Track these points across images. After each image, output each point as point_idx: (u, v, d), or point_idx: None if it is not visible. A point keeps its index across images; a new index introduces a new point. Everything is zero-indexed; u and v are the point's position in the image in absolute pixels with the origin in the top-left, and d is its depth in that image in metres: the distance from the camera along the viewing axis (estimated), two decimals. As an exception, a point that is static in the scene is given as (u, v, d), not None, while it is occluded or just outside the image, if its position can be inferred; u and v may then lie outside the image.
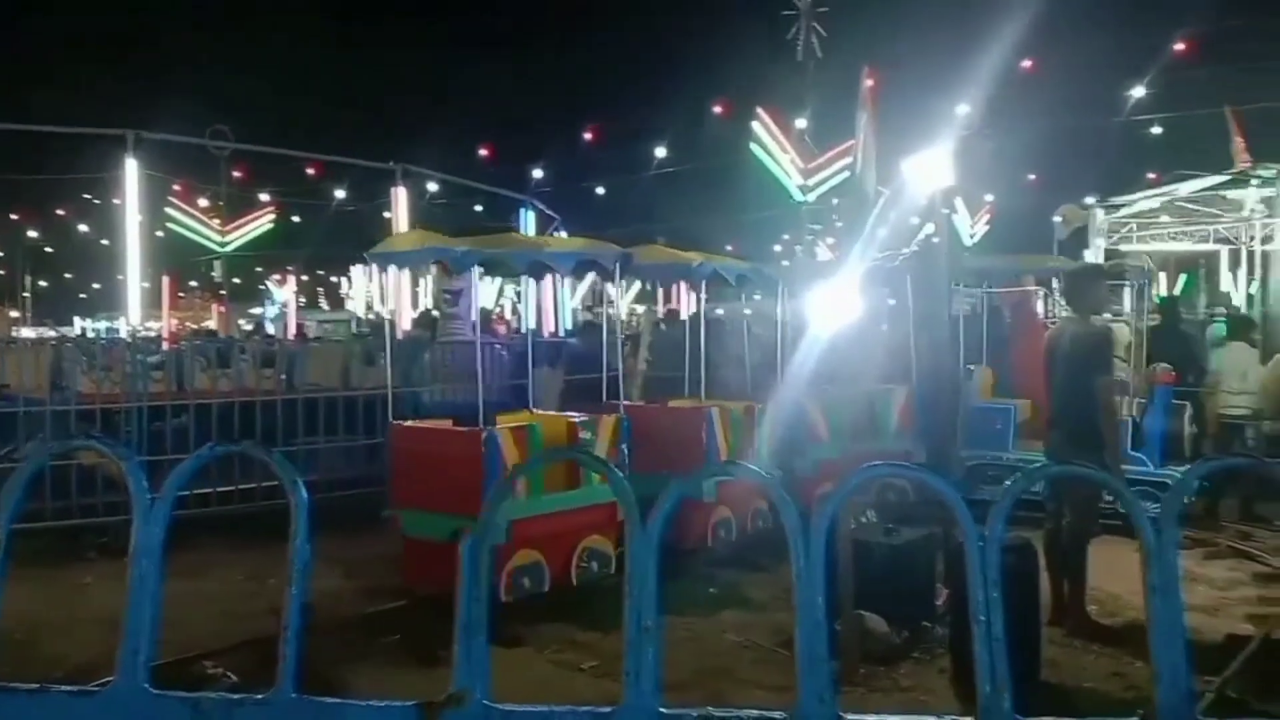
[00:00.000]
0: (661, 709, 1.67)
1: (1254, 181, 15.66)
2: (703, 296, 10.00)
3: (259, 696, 1.83)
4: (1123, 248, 17.07)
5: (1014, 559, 4.88)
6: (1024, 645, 4.71)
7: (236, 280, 36.11)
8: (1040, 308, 11.50)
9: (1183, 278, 20.82)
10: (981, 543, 1.77)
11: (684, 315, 21.59)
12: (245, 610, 6.40)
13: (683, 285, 30.04)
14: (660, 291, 21.17)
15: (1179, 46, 21.97)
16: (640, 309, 20.78)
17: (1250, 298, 14.64)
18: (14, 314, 44.05)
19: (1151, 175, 20.92)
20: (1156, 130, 24.80)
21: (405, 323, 13.30)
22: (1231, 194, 16.20)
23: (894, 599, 5.77)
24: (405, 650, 5.71)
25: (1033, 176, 28.79)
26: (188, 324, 28.83)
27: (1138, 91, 23.83)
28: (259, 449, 2.10)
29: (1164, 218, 17.89)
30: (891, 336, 9.41)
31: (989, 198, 25.53)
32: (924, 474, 1.86)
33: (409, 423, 7.91)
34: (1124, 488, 2.05)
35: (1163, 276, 15.87)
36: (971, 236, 23.17)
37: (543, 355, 11.38)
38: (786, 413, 8.22)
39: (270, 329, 24.82)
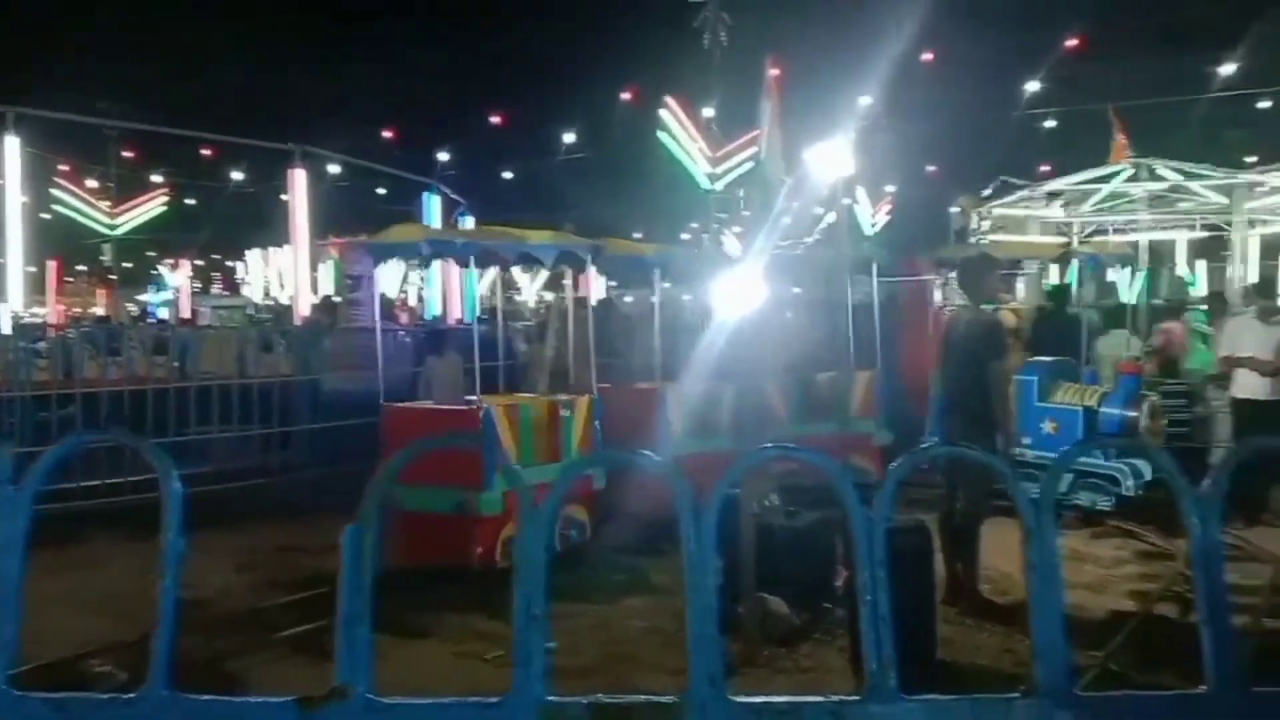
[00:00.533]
0: (550, 697, 1.63)
1: (1123, 175, 16.34)
2: (610, 284, 10.01)
3: (128, 695, 1.74)
4: (1014, 237, 17.57)
5: (908, 540, 4.98)
6: (919, 624, 4.81)
7: (128, 265, 34.83)
8: (937, 296, 11.76)
9: (1073, 267, 21.56)
10: (868, 524, 1.79)
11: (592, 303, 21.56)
12: (136, 606, 6.16)
13: (592, 273, 29.98)
14: (570, 279, 21.08)
15: (1071, 43, 22.72)
16: (549, 296, 20.66)
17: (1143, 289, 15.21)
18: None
19: (1045, 167, 21.62)
20: (1050, 124, 25.63)
21: (305, 308, 12.97)
22: (1114, 187, 16.84)
23: (796, 581, 5.85)
24: (298, 645, 5.57)
25: (932, 168, 29.49)
26: (75, 310, 27.70)
27: (1032, 86, 24.59)
28: (129, 437, 2.00)
29: (1055, 211, 18.48)
30: (795, 324, 9.52)
31: (890, 188, 26.07)
32: (813, 457, 1.87)
33: (401, 404, 8.35)
34: (1009, 470, 2.09)
35: (1054, 268, 16.41)
36: (873, 226, 23.63)
37: (439, 342, 11.16)
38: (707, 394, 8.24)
39: (163, 314, 23.98)
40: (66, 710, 1.77)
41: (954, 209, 20.17)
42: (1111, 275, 12.57)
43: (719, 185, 18.19)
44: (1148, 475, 8.13)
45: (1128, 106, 20.05)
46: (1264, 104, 24.58)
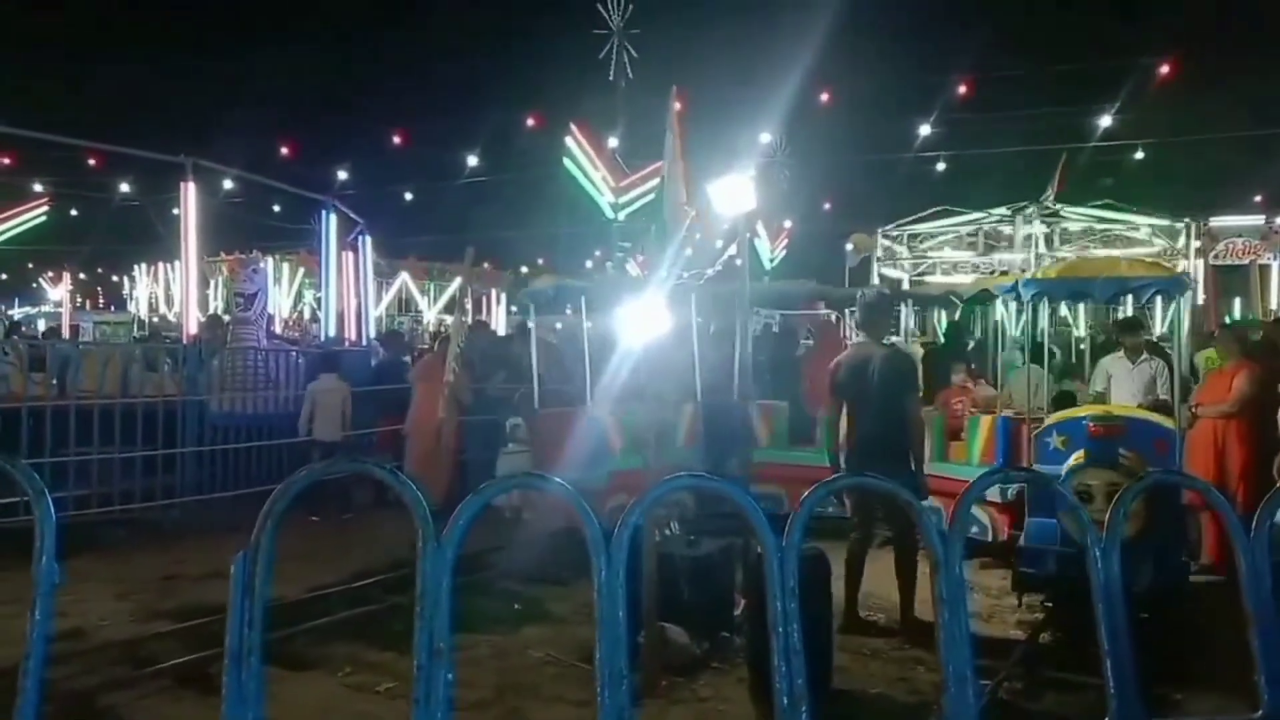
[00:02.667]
0: None
1: (1027, 213, 17.02)
2: (510, 309, 10.00)
3: None
4: (928, 279, 18.13)
5: (808, 568, 5.04)
6: (817, 653, 4.86)
7: (3, 276, 33.23)
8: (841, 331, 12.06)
9: (962, 307, 22.35)
10: (780, 553, 1.79)
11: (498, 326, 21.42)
12: (6, 635, 5.84)
13: (494, 294, 29.70)
14: (469, 300, 20.92)
15: (961, 90, 23.62)
16: (449, 318, 20.45)
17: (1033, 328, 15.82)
18: None
19: (936, 208, 22.37)
20: (940, 166, 26.57)
21: (193, 326, 12.54)
22: (1017, 230, 17.54)
23: (695, 610, 5.86)
24: (182, 678, 5.34)
25: (827, 205, 30.23)
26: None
27: (924, 130, 25.48)
28: None
29: (950, 251, 19.16)
30: (681, 354, 9.61)
31: (787, 223, 26.60)
32: (728, 487, 1.86)
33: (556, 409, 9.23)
34: (915, 500, 2.14)
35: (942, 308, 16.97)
36: (771, 260, 24.08)
37: (327, 365, 10.92)
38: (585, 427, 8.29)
39: (40, 328, 22.92)
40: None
41: (849, 245, 20.72)
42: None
43: (622, 215, 18.31)
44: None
45: (1010, 154, 20.93)
46: (1139, 155, 25.93)
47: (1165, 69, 22.36)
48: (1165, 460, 6.83)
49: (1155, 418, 7.45)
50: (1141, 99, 23.76)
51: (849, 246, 20.19)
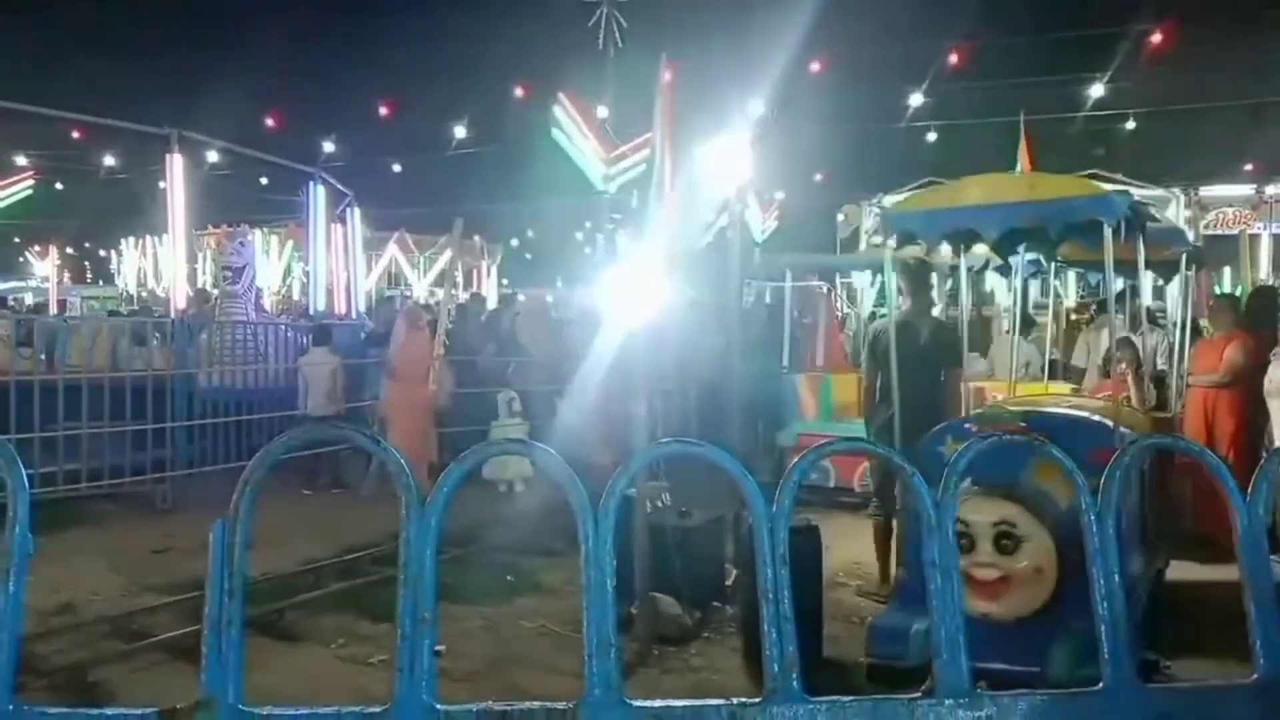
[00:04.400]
0: (438, 705, 1.51)
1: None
2: (502, 282, 9.95)
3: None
4: (911, 250, 18.03)
5: (799, 538, 5.03)
6: (808, 622, 4.87)
7: (-11, 250, 33.03)
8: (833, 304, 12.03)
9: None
10: (769, 521, 1.77)
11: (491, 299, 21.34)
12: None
13: (483, 268, 29.54)
14: (459, 273, 20.85)
15: (953, 59, 23.48)
16: (439, 291, 20.38)
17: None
18: None
19: (925, 180, 22.26)
20: (931, 136, 26.43)
21: (181, 300, 12.46)
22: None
23: (686, 580, 5.87)
24: (173, 651, 5.34)
25: (819, 176, 30.06)
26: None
27: (916, 99, 25.33)
28: None
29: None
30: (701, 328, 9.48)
31: (779, 195, 26.48)
32: (714, 453, 1.84)
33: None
34: (909, 468, 2.12)
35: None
36: (763, 232, 23.98)
37: (316, 337, 10.83)
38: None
39: (28, 302, 22.79)
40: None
41: (840, 216, 20.62)
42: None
43: (612, 187, 18.16)
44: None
45: (1005, 124, 20.83)
46: (1130, 125, 25.85)
47: (1158, 38, 22.25)
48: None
49: (1099, 415, 5.63)
50: (1133, 68, 23.63)
51: (840, 217, 20.10)
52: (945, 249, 7.66)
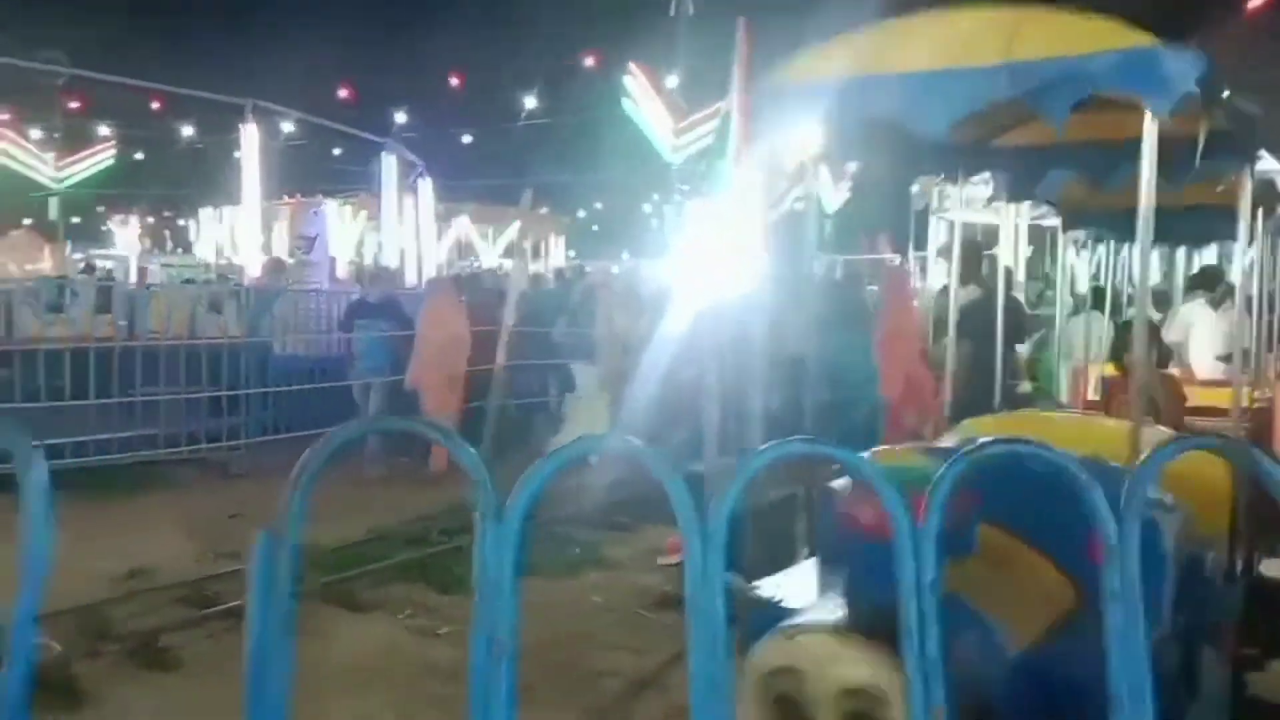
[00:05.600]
0: None
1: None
2: (569, 254, 9.82)
3: None
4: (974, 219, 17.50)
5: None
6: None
7: (76, 220, 33.87)
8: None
9: (1028, 250, 21.65)
10: (913, 538, 1.40)
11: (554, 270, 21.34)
12: (72, 573, 5.95)
13: (552, 238, 29.61)
14: (527, 244, 20.85)
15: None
16: (508, 262, 20.41)
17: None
18: None
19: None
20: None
21: (254, 269, 12.63)
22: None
23: (757, 559, 5.75)
24: (242, 617, 5.38)
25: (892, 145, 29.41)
26: (20, 265, 26.85)
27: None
28: None
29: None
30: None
31: (851, 166, 25.93)
32: (849, 457, 1.52)
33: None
34: (1092, 479, 1.82)
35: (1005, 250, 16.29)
36: (834, 204, 23.55)
37: (377, 309, 10.50)
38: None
39: (108, 269, 23.36)
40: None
41: (914, 188, 20.13)
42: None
43: (680, 157, 17.98)
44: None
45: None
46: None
47: None
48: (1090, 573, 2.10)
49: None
50: None
51: (914, 189, 19.63)
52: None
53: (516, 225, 17.36)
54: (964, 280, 6.37)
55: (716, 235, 6.29)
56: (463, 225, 26.49)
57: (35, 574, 1.27)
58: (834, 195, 23.05)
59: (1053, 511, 2.20)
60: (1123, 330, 4.89)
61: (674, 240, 9.04)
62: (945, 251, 6.87)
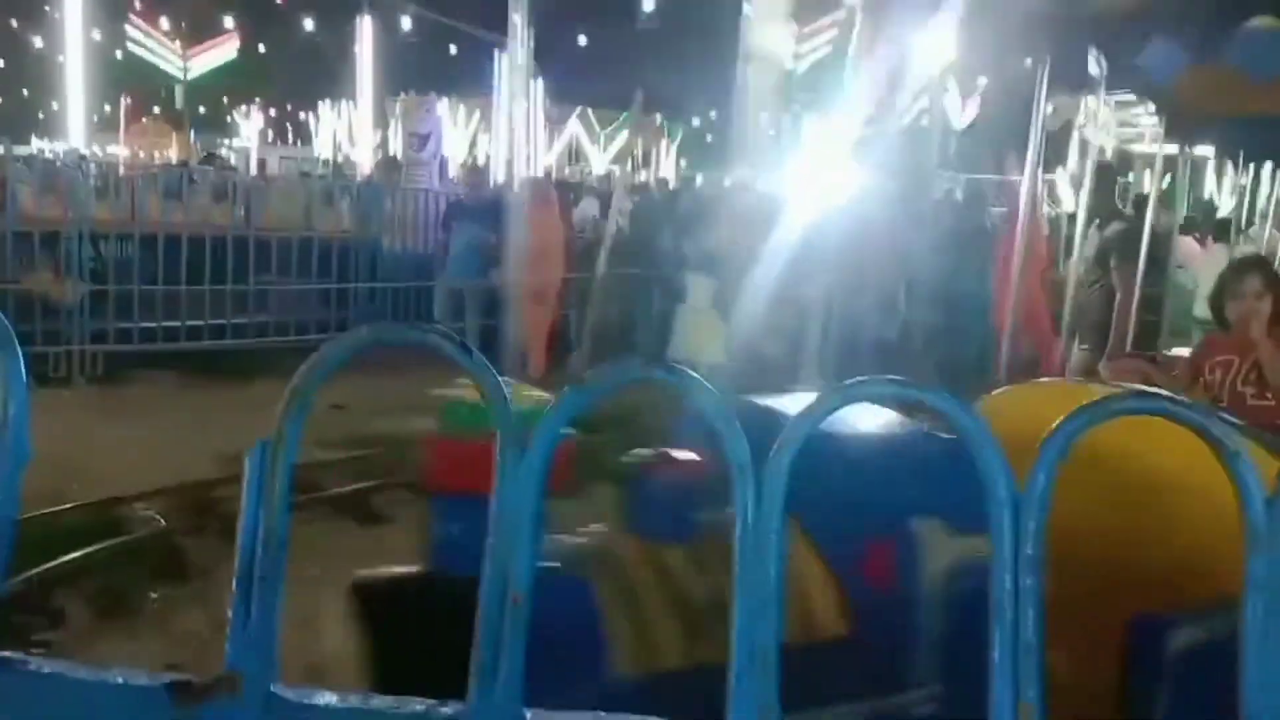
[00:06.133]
0: (527, 710, 1.05)
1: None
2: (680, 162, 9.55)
3: None
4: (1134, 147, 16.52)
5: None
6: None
7: (202, 110, 34.75)
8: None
9: (1166, 178, 20.45)
10: (1013, 505, 1.10)
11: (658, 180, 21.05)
12: (181, 452, 6.16)
13: (664, 146, 29.15)
14: (638, 153, 20.59)
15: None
16: (617, 169, 20.21)
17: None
18: (-34, 128, 42.22)
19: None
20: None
21: (367, 166, 12.72)
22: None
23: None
24: (339, 506, 5.49)
25: (1029, 61, 27.96)
26: (148, 151, 27.79)
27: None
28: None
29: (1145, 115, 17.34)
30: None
31: (982, 80, 24.79)
32: (943, 401, 1.14)
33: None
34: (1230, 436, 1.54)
35: (1146, 175, 15.37)
36: (962, 121, 22.60)
37: (475, 212, 10.08)
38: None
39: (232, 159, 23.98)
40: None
41: (1049, 108, 19.11)
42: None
43: (802, 66, 17.39)
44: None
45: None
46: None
47: None
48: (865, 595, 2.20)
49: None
50: None
51: (1049, 109, 18.64)
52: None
53: (626, 132, 17.12)
54: (1099, 210, 6.04)
55: (834, 149, 6.04)
56: (573, 129, 26.31)
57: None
58: (962, 111, 22.09)
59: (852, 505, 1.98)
60: (1233, 270, 3.83)
61: (791, 153, 8.73)
62: (1076, 181, 6.47)
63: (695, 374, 1.08)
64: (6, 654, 1.11)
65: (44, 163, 13.54)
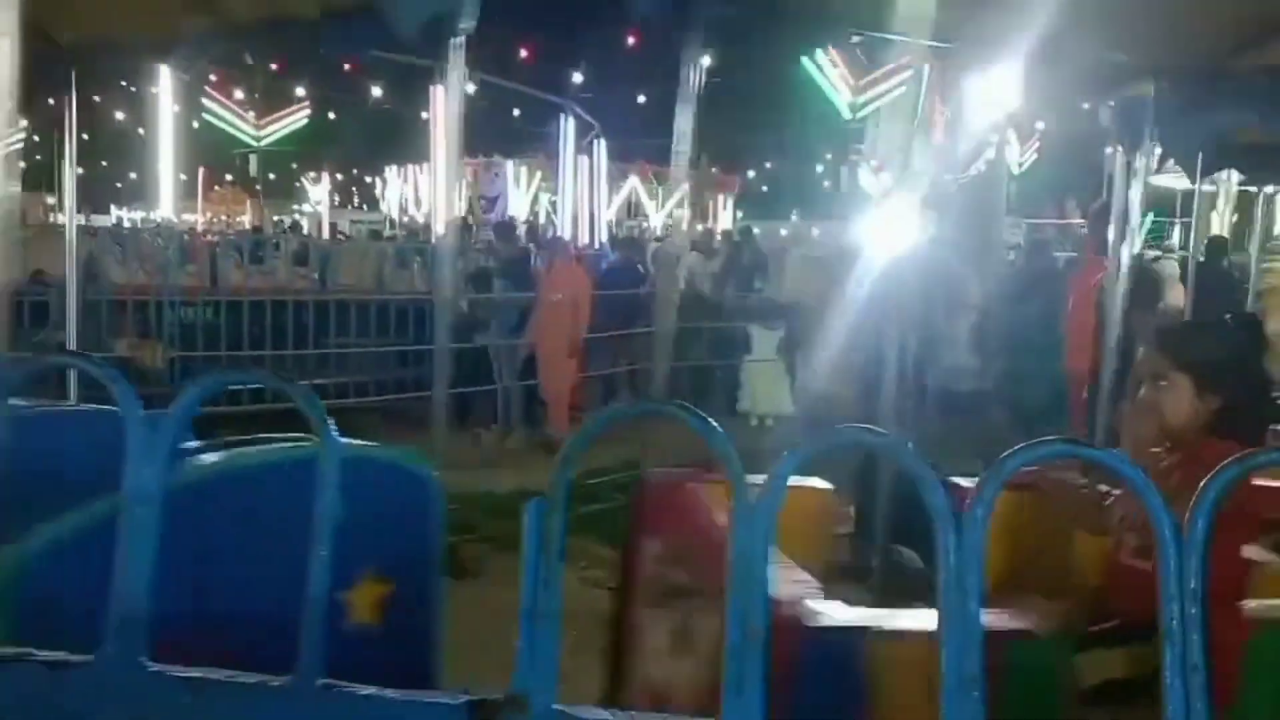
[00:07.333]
0: None
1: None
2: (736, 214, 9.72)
3: (275, 682, 1.38)
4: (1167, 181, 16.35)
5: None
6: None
7: (272, 176, 35.86)
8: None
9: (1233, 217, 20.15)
10: (1176, 545, 1.23)
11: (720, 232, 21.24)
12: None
13: (720, 199, 29.37)
14: (696, 206, 20.80)
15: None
16: (678, 222, 20.42)
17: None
18: (50, 199, 43.98)
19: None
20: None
21: (440, 226, 13.07)
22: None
23: (930, 533, 5.62)
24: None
25: (1087, 105, 27.82)
26: (223, 218, 28.73)
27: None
28: (279, 380, 1.61)
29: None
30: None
31: (1039, 124, 24.71)
32: (1120, 464, 1.30)
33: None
34: None
35: (1214, 215, 15.18)
36: (1020, 165, 22.51)
37: (505, 270, 10.32)
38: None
39: (304, 227, 24.73)
40: (203, 694, 1.41)
41: (1108, 150, 18.99)
42: None
43: (860, 115, 17.51)
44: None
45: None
46: None
47: None
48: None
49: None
50: None
51: (1109, 151, 18.52)
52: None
53: (685, 186, 17.34)
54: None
55: (900, 198, 6.12)
56: (632, 184, 26.70)
57: (328, 527, 1.40)
58: (1021, 155, 22.02)
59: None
60: None
61: (852, 202, 8.83)
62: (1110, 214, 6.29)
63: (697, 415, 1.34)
64: (329, 680, 1.30)
65: (132, 232, 14.13)
